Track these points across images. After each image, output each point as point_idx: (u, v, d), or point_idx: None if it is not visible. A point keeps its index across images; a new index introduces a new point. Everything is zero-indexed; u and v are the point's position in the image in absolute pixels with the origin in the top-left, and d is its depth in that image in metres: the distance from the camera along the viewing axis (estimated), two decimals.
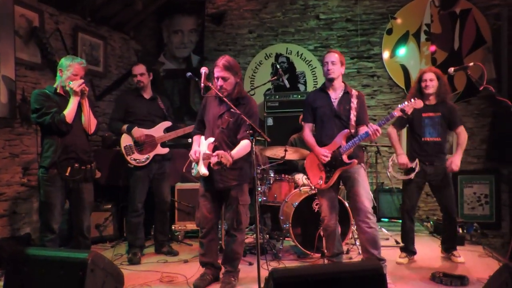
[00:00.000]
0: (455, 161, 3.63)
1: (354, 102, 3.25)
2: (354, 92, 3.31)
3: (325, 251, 3.52)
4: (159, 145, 4.01)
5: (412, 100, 3.09)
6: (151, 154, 3.99)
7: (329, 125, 3.30)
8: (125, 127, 3.98)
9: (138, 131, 3.95)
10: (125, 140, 3.98)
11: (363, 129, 3.23)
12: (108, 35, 5.79)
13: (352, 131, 3.22)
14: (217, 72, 3.10)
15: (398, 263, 3.75)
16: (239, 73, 3.17)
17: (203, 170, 3.12)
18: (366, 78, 5.99)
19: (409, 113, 3.13)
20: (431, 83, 3.67)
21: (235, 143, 3.12)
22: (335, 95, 3.33)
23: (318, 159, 3.32)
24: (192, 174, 3.31)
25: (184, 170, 3.67)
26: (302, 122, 4.80)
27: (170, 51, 6.56)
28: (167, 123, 4.09)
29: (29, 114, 4.20)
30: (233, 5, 6.38)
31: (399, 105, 3.12)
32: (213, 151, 3.10)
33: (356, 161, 3.21)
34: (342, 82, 3.37)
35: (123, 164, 4.03)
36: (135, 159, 3.95)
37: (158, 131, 4.03)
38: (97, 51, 5.52)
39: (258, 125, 3.05)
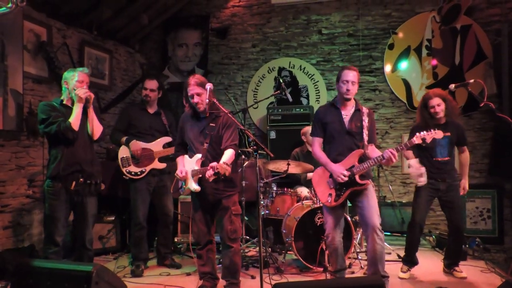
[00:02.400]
0: (465, 186, 3.87)
1: (365, 120, 3.24)
2: (365, 110, 3.30)
3: (328, 266, 3.53)
4: (156, 159, 4.04)
5: (433, 130, 3.13)
6: (147, 168, 4.03)
7: (339, 142, 3.27)
8: (124, 139, 4.02)
9: (135, 144, 3.98)
10: (123, 152, 4.02)
11: (373, 149, 3.24)
12: (113, 49, 5.88)
13: (367, 151, 3.20)
14: (191, 90, 3.20)
15: (400, 278, 3.76)
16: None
17: (194, 186, 3.20)
18: (368, 92, 6.04)
19: (428, 142, 3.16)
20: (439, 108, 3.72)
21: (220, 155, 3.19)
22: (346, 111, 3.31)
23: (327, 176, 3.30)
24: (181, 193, 3.39)
25: (171, 191, 3.71)
26: (303, 137, 4.92)
27: (174, 64, 6.65)
28: (167, 139, 4.13)
29: (35, 127, 4.27)
30: (237, 20, 6.48)
31: (420, 133, 3.13)
32: (201, 166, 3.19)
33: (369, 181, 3.21)
34: (353, 98, 3.36)
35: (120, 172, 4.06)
36: (130, 172, 3.99)
37: (157, 145, 4.07)
38: (102, 64, 5.60)
39: (259, 138, 3.11)
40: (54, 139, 3.26)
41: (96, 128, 3.37)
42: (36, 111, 4.32)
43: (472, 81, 3.41)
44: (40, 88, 4.52)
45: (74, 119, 3.24)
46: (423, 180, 3.72)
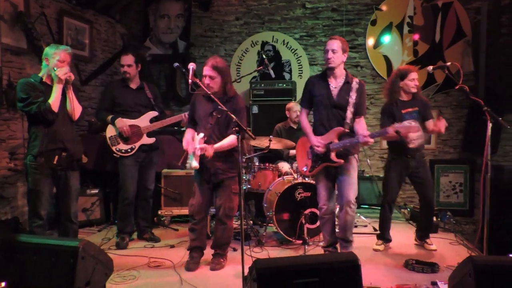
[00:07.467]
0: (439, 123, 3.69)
1: (352, 97, 3.26)
2: (354, 84, 3.30)
3: (307, 238, 3.70)
4: (145, 135, 4.05)
5: (412, 123, 3.06)
6: (137, 144, 4.04)
7: (325, 115, 3.33)
8: (109, 118, 4.00)
9: (121, 122, 3.97)
10: (110, 131, 4.02)
11: (359, 122, 3.30)
12: (93, 19, 5.73)
13: (347, 130, 3.27)
14: (205, 71, 3.30)
15: (375, 249, 3.95)
16: (227, 74, 3.35)
17: (193, 163, 3.31)
18: (350, 68, 6.10)
19: (402, 135, 3.18)
20: (417, 83, 3.82)
21: (224, 137, 3.34)
22: (335, 83, 3.33)
23: (308, 146, 3.45)
24: (187, 167, 3.50)
25: (179, 164, 3.79)
26: (287, 112, 5.00)
27: (156, 36, 6.54)
28: (153, 113, 4.12)
29: (15, 99, 4.21)
30: None
31: (396, 124, 3.11)
32: None
33: (342, 161, 3.28)
34: (344, 69, 3.36)
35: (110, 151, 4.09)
36: (120, 150, 4.00)
37: (144, 121, 4.08)
38: (82, 35, 5.48)
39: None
40: (34, 118, 3.24)
41: (76, 109, 3.34)
42: (16, 83, 4.27)
43: (449, 63, 3.52)
44: (18, 60, 4.42)
45: (54, 100, 3.20)
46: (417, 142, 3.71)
